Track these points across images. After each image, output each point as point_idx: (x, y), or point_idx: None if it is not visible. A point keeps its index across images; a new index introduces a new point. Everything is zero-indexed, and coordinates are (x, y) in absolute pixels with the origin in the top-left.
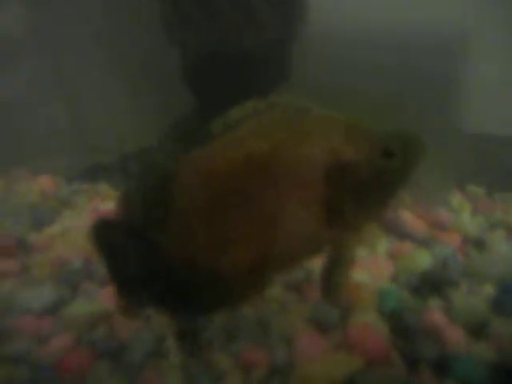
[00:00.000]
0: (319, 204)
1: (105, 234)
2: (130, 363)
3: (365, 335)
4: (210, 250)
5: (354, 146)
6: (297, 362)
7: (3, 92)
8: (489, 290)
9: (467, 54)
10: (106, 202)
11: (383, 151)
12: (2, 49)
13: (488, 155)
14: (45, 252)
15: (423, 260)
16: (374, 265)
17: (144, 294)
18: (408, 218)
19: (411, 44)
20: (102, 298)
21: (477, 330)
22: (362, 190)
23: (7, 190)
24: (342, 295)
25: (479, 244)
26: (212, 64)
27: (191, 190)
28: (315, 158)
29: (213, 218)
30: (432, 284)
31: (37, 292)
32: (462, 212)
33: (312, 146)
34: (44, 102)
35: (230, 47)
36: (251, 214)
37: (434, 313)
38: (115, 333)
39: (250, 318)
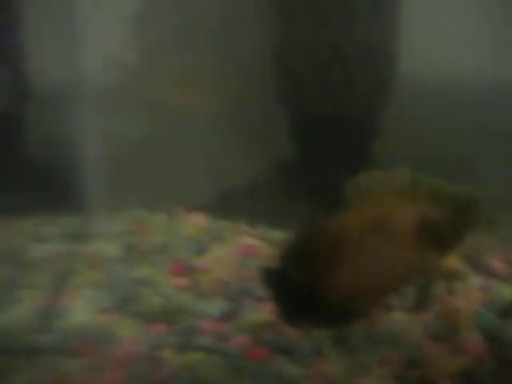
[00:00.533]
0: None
1: (271, 278)
2: (300, 356)
3: (474, 343)
4: (346, 288)
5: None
6: (424, 360)
7: None
8: None
9: None
10: (246, 237)
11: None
12: None
13: None
14: (207, 273)
15: (508, 292)
16: (468, 295)
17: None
18: (492, 259)
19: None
20: (263, 311)
21: None
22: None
23: (170, 225)
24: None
25: None
26: (315, 124)
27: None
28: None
29: (348, 265)
30: None
31: (211, 303)
32: None
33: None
34: None
35: (331, 112)
36: (373, 262)
37: None
38: (283, 335)
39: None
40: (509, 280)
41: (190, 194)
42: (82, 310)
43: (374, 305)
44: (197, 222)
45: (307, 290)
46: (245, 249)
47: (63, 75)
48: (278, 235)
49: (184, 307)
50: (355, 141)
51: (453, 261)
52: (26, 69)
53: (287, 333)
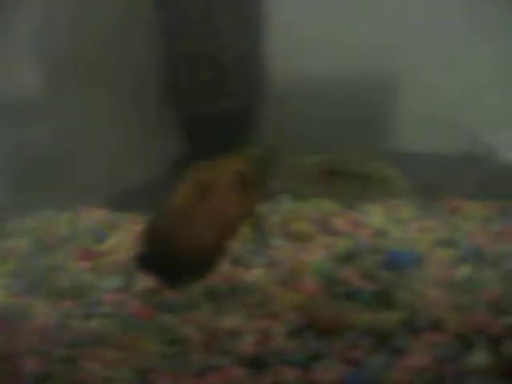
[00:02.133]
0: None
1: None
2: (178, 309)
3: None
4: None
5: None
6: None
7: None
8: None
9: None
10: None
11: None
12: None
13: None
14: (107, 256)
15: (345, 245)
16: (315, 251)
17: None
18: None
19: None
20: (150, 281)
21: None
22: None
23: (75, 220)
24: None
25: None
26: (201, 123)
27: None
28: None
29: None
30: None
31: (111, 279)
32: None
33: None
34: None
35: (214, 110)
36: (208, 218)
37: None
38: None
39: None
40: (348, 236)
41: (93, 192)
42: None
43: (220, 251)
44: (98, 215)
45: (169, 259)
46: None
47: None
48: None
49: (89, 285)
50: (238, 135)
51: (304, 225)
52: None
53: (169, 294)
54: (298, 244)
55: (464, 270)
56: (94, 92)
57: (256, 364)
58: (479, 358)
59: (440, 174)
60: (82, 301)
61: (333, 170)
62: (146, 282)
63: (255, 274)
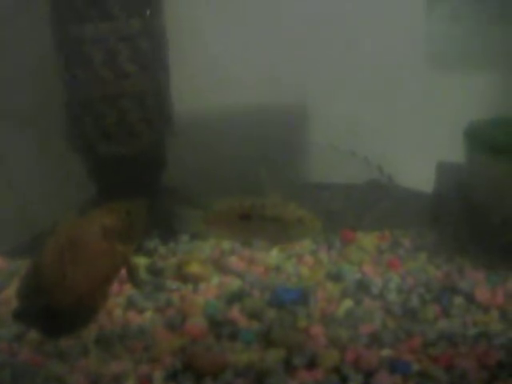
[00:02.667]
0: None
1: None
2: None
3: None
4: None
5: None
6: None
7: None
8: None
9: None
10: None
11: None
12: None
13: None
14: (6, 305)
15: (236, 284)
16: (207, 291)
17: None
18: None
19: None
20: None
21: None
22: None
23: None
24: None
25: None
26: (109, 164)
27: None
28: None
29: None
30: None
31: (7, 328)
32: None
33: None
34: None
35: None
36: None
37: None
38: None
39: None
40: (241, 274)
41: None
42: None
43: (98, 299)
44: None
45: (45, 313)
46: None
47: None
48: None
49: None
50: (148, 173)
51: (198, 266)
52: None
53: (63, 342)
54: (192, 285)
55: (347, 304)
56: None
57: None
58: None
59: (343, 204)
60: None
61: (247, 213)
62: None
63: (145, 318)
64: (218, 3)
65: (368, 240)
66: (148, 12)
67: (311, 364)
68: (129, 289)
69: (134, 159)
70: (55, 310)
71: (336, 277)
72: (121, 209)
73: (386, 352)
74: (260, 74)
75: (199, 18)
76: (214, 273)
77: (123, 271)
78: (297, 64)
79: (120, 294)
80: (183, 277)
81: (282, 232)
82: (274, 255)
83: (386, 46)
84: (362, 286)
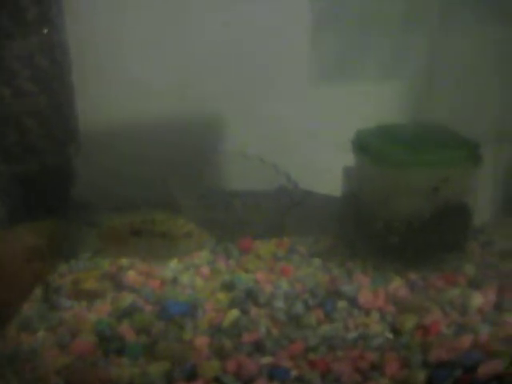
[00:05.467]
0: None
1: None
2: None
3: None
4: None
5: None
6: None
7: None
8: None
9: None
10: None
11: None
12: None
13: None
14: None
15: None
16: (101, 307)
17: None
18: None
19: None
20: None
21: None
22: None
23: None
24: None
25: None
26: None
27: None
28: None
29: None
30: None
31: None
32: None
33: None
34: None
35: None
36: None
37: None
38: None
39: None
40: (136, 289)
41: None
42: None
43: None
44: None
45: None
46: None
47: None
48: None
49: None
50: (55, 191)
51: (93, 283)
52: None
53: None
54: (86, 302)
55: (234, 314)
56: None
57: None
58: None
59: (252, 212)
60: None
61: (138, 230)
62: None
63: (38, 338)
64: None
65: (265, 248)
66: (45, 30)
67: (192, 375)
68: (26, 309)
69: (38, 177)
70: None
71: (229, 286)
72: (39, 227)
73: (266, 359)
74: (171, 83)
75: (105, 30)
76: (110, 289)
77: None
78: (208, 73)
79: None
80: (78, 294)
81: (171, 247)
82: (171, 267)
83: (274, 59)
84: (251, 295)
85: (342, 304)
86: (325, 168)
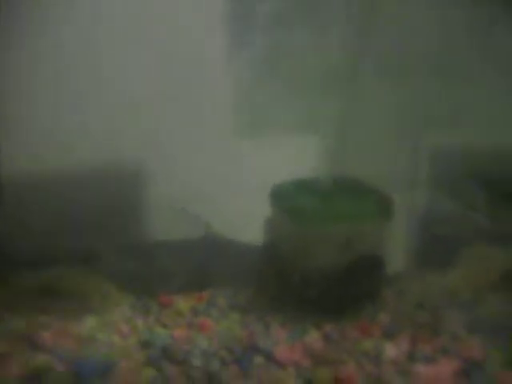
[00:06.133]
0: None
1: None
2: None
3: None
4: None
5: None
6: None
7: None
8: None
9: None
10: None
11: None
12: None
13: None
14: None
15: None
16: None
17: None
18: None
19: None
20: None
21: None
22: None
23: None
24: None
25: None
26: None
27: None
28: None
29: None
30: None
31: None
32: None
33: None
34: None
35: None
36: None
37: None
38: None
39: None
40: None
41: None
42: None
43: None
44: None
45: None
46: None
47: None
48: None
49: None
50: None
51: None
52: None
53: None
54: None
55: (149, 373)
56: None
57: None
58: None
59: (172, 262)
60: None
61: (48, 287)
62: None
63: None
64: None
65: (184, 302)
66: None
67: None
68: None
69: None
70: None
71: (146, 344)
72: None
73: None
74: (89, 133)
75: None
76: (22, 350)
77: None
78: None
79: None
80: None
81: (84, 305)
82: (88, 325)
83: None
84: (168, 352)
85: (258, 359)
86: (248, 218)
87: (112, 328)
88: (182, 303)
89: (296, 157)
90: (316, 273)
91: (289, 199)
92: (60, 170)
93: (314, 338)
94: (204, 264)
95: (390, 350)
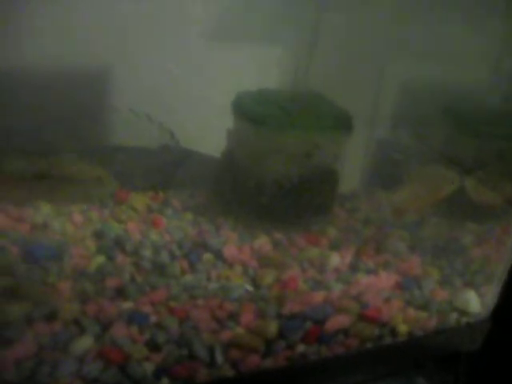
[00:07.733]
0: None
1: None
2: None
3: None
4: None
5: None
6: None
7: None
8: None
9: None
10: None
11: None
12: None
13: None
14: None
15: None
16: None
17: None
18: None
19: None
20: None
21: None
22: None
23: None
24: None
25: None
26: None
27: None
28: None
29: None
30: None
31: None
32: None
33: None
34: None
35: None
36: None
37: None
38: None
39: None
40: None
41: None
42: None
43: None
44: None
45: None
46: None
47: None
48: None
49: None
50: None
51: None
52: None
53: None
54: None
55: (99, 260)
56: None
57: None
58: (85, 342)
59: (131, 166)
60: None
61: (40, 172)
62: None
63: None
64: None
65: (140, 200)
66: None
67: (51, 317)
68: None
69: None
70: None
71: (99, 234)
72: None
73: (127, 305)
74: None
75: None
76: None
77: None
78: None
79: None
80: None
81: (82, 191)
82: (43, 213)
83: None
84: (119, 243)
85: (207, 256)
86: (209, 129)
87: (66, 218)
88: (138, 201)
89: (260, 68)
90: (271, 181)
91: (250, 108)
92: (25, 67)
93: (262, 242)
94: (163, 168)
95: (334, 260)
